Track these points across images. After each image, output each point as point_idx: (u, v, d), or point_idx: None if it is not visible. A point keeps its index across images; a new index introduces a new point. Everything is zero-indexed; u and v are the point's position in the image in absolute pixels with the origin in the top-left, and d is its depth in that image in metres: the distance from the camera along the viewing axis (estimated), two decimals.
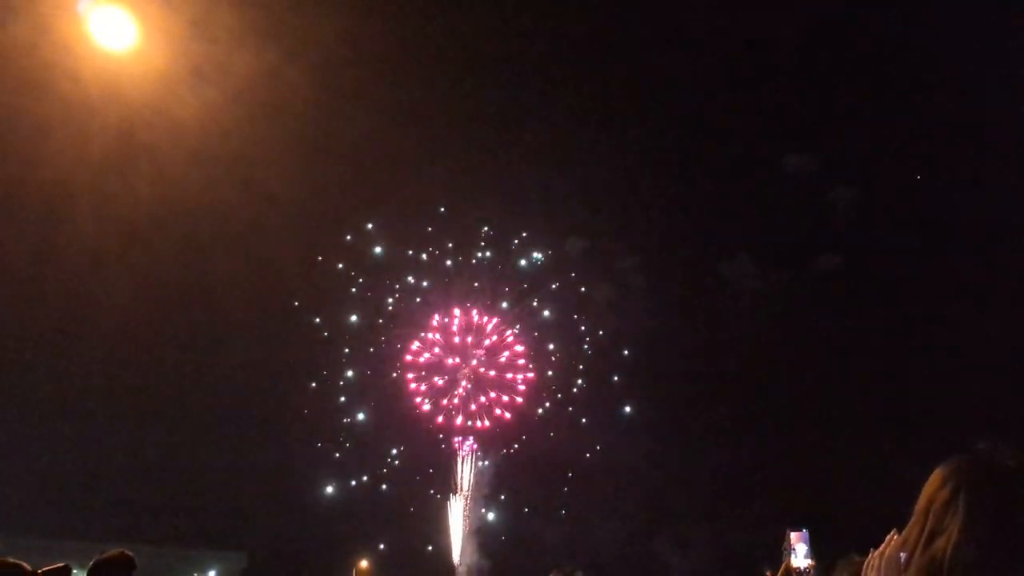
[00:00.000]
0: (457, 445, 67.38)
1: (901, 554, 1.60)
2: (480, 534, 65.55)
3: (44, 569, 3.76)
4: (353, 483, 65.95)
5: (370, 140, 67.56)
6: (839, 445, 56.23)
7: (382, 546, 65.61)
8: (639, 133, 66.15)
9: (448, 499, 67.02)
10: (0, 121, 48.41)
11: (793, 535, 3.45)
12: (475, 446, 67.49)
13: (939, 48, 53.99)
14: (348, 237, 67.73)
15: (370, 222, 68.58)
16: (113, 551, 4.04)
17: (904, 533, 1.58)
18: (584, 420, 66.39)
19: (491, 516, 65.49)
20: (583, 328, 69.51)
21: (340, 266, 68.43)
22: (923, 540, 1.51)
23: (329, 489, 65.42)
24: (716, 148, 66.39)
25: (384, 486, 66.77)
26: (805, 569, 3.48)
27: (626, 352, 66.82)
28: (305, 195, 63.01)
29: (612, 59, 71.70)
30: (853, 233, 60.98)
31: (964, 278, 54.78)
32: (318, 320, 67.93)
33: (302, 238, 67.28)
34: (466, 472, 67.09)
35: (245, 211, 62.60)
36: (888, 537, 1.80)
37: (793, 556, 3.50)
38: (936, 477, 1.56)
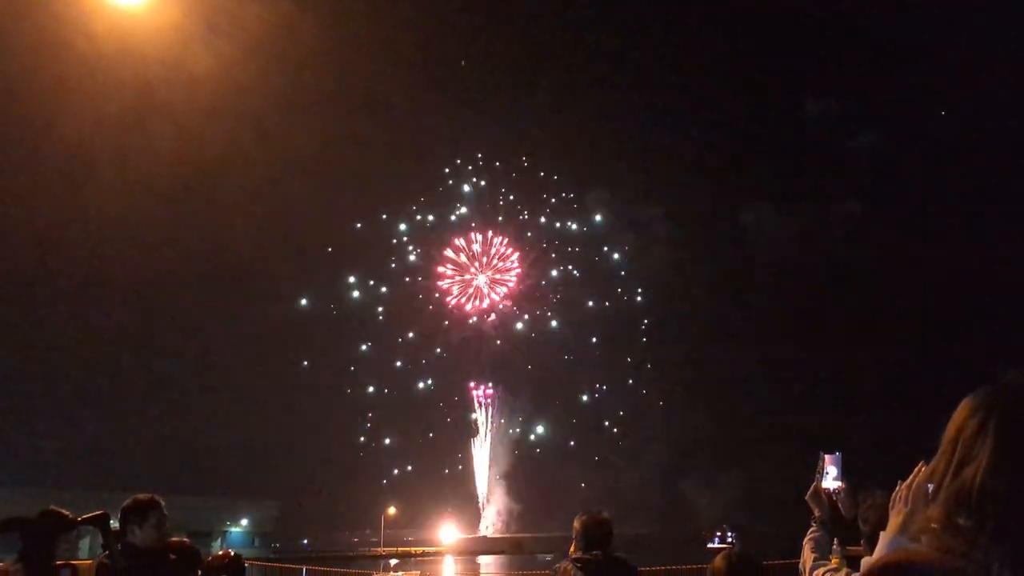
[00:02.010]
0: (474, 388, 68.06)
1: (929, 485, 1.59)
2: (509, 478, 66.60)
3: (83, 517, 3.87)
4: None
5: (388, 90, 66.97)
6: (864, 383, 56.27)
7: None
8: (661, 83, 65.20)
9: (471, 442, 67.92)
10: (17, 79, 48.58)
11: (827, 457, 3.47)
12: (495, 392, 68.12)
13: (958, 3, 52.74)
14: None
15: (387, 175, 68.53)
16: (140, 496, 4.16)
17: (932, 463, 1.55)
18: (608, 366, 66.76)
19: (536, 432, 65.64)
20: (606, 274, 69.53)
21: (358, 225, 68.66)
22: (951, 470, 1.49)
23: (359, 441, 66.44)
24: (737, 97, 65.35)
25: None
26: (835, 490, 3.51)
27: (648, 299, 66.93)
28: (322, 147, 62.85)
29: (635, 11, 70.32)
30: (873, 178, 60.24)
31: (986, 215, 54.09)
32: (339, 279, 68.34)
33: (320, 190, 67.29)
34: (488, 417, 67.93)
35: (263, 164, 62.69)
36: (916, 468, 1.79)
37: (824, 478, 3.53)
38: (965, 407, 1.53)
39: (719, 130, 69.90)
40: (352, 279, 67.73)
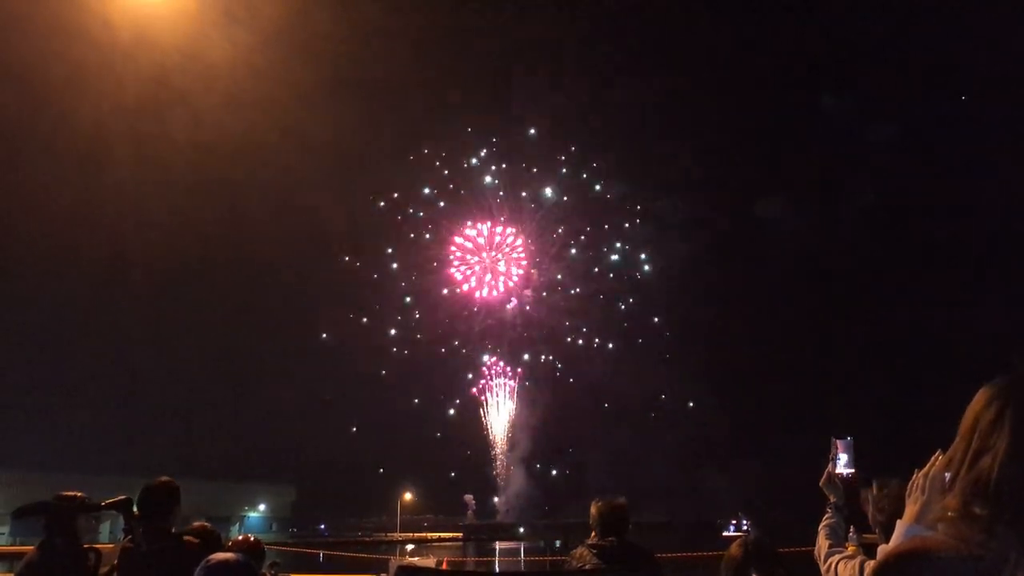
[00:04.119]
0: (493, 373, 68.23)
1: (946, 474, 1.60)
2: (526, 464, 66.80)
3: (107, 501, 3.95)
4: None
5: (404, 77, 66.91)
6: (881, 373, 56.02)
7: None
8: (677, 76, 64.87)
9: (486, 417, 68.06)
10: (34, 67, 48.86)
11: (838, 443, 3.48)
12: (515, 377, 68.27)
13: None
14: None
15: (405, 159, 68.65)
16: (159, 479, 4.23)
17: (949, 452, 1.56)
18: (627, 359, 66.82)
19: (553, 416, 65.75)
20: (623, 268, 69.49)
21: (381, 203, 68.79)
22: (968, 459, 1.49)
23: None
24: (752, 90, 64.96)
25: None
26: (847, 476, 3.51)
27: (665, 289, 66.91)
28: (339, 134, 62.96)
29: (653, 4, 69.86)
30: (887, 170, 59.84)
31: (1003, 207, 53.55)
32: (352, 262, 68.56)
33: (337, 177, 67.42)
34: (503, 406, 68.12)
35: (280, 152, 62.89)
36: (933, 458, 1.79)
37: (836, 464, 3.52)
38: (982, 396, 1.53)
39: (733, 126, 69.39)
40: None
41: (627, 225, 69.28)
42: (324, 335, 66.83)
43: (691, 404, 60.72)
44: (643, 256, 67.96)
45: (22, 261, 58.27)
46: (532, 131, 69.49)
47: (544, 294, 69.39)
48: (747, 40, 66.24)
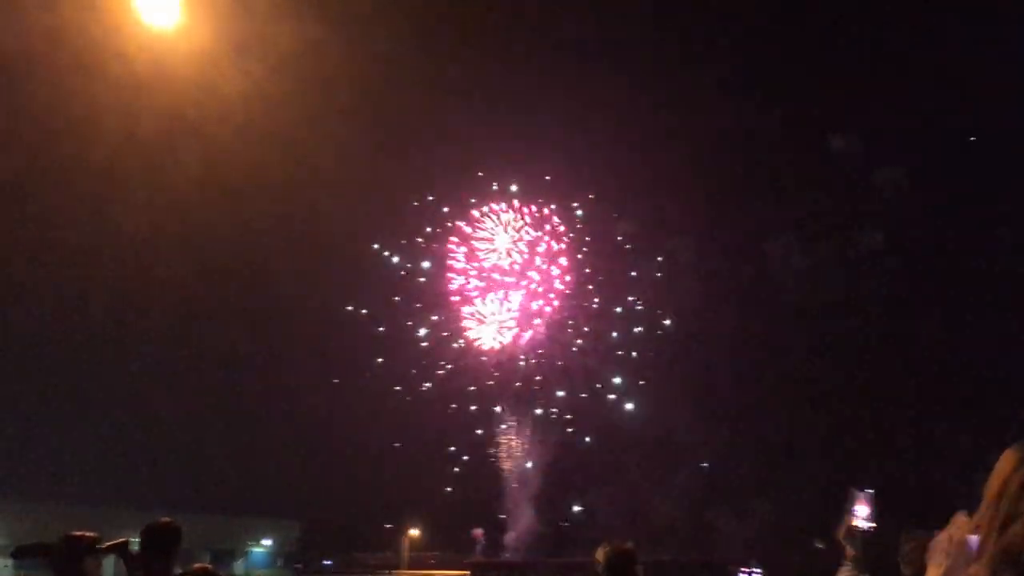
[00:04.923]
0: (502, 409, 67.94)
1: (971, 537, 1.52)
2: (535, 502, 66.10)
3: (106, 545, 3.91)
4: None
5: (417, 109, 67.61)
6: (889, 418, 55.50)
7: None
8: (683, 113, 65.33)
9: (500, 464, 67.62)
10: (53, 103, 49.61)
11: (858, 495, 3.38)
12: (526, 412, 67.92)
13: (983, 31, 52.75)
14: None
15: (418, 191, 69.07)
16: (160, 520, 4.19)
17: (976, 517, 1.49)
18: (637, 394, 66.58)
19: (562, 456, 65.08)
20: (629, 302, 69.54)
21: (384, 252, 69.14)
22: (997, 525, 1.42)
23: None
24: (760, 127, 65.39)
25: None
26: (866, 530, 3.40)
27: (669, 323, 66.81)
28: (353, 167, 63.47)
29: (654, 38, 70.74)
30: (897, 212, 59.93)
31: (1011, 256, 53.45)
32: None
33: (352, 211, 67.69)
34: (515, 443, 67.71)
35: (295, 186, 63.40)
36: (954, 518, 1.72)
37: (855, 516, 3.43)
38: (1009, 458, 1.46)
39: (741, 164, 69.81)
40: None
41: (635, 268, 69.39)
42: (336, 379, 66.70)
43: (704, 444, 60.22)
44: (654, 296, 67.94)
45: (35, 291, 58.67)
46: (548, 177, 69.99)
47: (559, 330, 69.37)
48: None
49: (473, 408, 67.84)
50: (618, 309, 69.15)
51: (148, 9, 25.41)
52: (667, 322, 67.20)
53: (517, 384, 68.47)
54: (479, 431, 68.23)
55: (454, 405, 67.75)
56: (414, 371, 68.03)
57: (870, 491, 3.47)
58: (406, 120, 68.01)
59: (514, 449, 67.48)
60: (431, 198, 69.68)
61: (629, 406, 66.43)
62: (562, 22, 71.28)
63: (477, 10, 64.42)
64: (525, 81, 69.61)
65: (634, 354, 68.13)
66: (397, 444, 65.54)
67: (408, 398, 66.94)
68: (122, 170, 54.40)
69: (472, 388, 68.17)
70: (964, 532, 1.61)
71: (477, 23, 67.90)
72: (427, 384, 67.84)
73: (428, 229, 69.66)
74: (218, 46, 43.10)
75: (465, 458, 67.69)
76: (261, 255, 64.65)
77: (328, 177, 62.14)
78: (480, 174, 70.11)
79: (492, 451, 67.81)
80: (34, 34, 39.58)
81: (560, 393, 68.74)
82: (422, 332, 68.73)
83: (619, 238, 68.89)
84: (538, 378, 68.64)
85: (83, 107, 47.81)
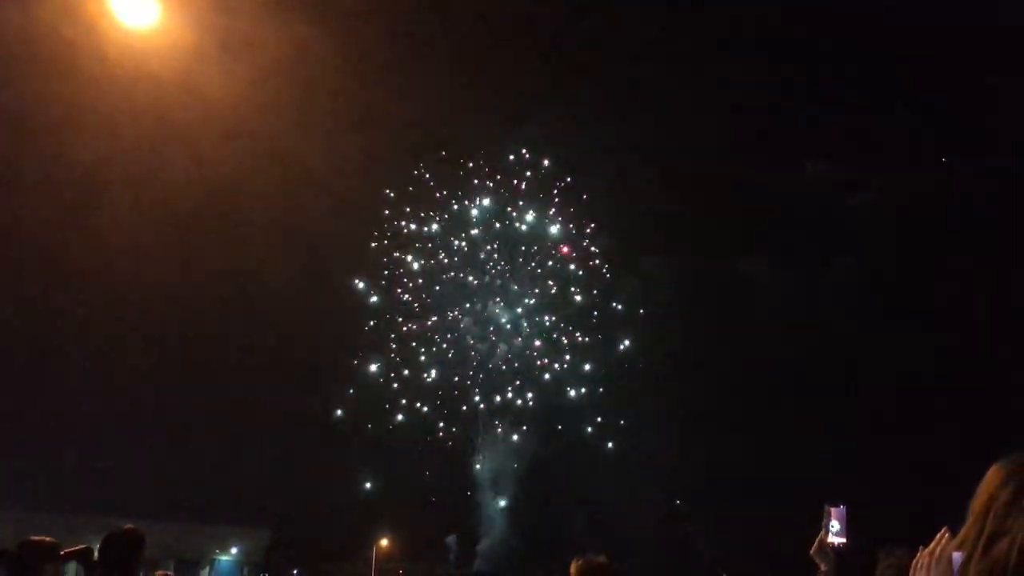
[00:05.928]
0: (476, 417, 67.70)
1: (955, 555, 1.49)
2: (507, 512, 65.90)
3: (67, 551, 3.80)
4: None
5: (405, 111, 67.27)
6: (871, 435, 55.98)
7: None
8: (659, 132, 65.79)
9: (471, 475, 67.34)
10: (31, 106, 48.86)
11: (831, 510, 3.37)
12: (497, 423, 67.77)
13: (967, 54, 53.57)
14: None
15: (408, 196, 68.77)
16: (123, 527, 4.07)
17: (961, 534, 1.46)
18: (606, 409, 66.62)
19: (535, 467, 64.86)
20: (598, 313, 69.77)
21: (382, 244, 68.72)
22: (983, 543, 1.39)
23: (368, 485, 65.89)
24: (736, 149, 66.00)
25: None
26: (838, 545, 3.40)
27: (641, 344, 67.06)
28: (341, 169, 62.94)
29: (635, 56, 71.15)
30: (872, 235, 60.65)
31: (988, 276, 54.22)
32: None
33: (340, 214, 67.10)
34: (489, 452, 67.46)
35: (281, 189, 62.79)
36: (938, 535, 1.68)
37: (829, 532, 3.42)
38: (995, 474, 1.43)
39: (714, 185, 70.32)
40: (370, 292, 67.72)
41: (607, 275, 69.58)
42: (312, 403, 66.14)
43: (677, 456, 60.37)
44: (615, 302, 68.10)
45: (14, 301, 57.65)
46: (524, 185, 70.01)
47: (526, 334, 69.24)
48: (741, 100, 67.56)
49: (445, 413, 67.69)
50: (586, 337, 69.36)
51: (125, 8, 25.02)
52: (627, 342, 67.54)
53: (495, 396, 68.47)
54: (453, 429, 68.11)
55: (426, 408, 67.60)
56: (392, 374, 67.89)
57: (843, 507, 3.46)
58: (397, 120, 67.48)
59: (488, 455, 67.33)
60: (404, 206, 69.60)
61: (609, 445, 66.37)
62: (551, 32, 71.65)
63: (471, 10, 64.47)
64: (523, 82, 69.68)
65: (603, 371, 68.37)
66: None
67: (387, 405, 66.67)
68: (105, 175, 53.72)
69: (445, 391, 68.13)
70: (948, 550, 1.58)
71: (471, 22, 67.93)
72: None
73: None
74: (199, 46, 42.56)
75: (427, 474, 67.34)
76: (250, 260, 63.94)
77: (313, 177, 61.62)
78: (461, 173, 70.21)
79: (466, 459, 67.60)
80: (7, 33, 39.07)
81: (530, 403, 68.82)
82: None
83: (593, 249, 69.28)
84: (511, 388, 68.69)
85: (62, 111, 47.23)
